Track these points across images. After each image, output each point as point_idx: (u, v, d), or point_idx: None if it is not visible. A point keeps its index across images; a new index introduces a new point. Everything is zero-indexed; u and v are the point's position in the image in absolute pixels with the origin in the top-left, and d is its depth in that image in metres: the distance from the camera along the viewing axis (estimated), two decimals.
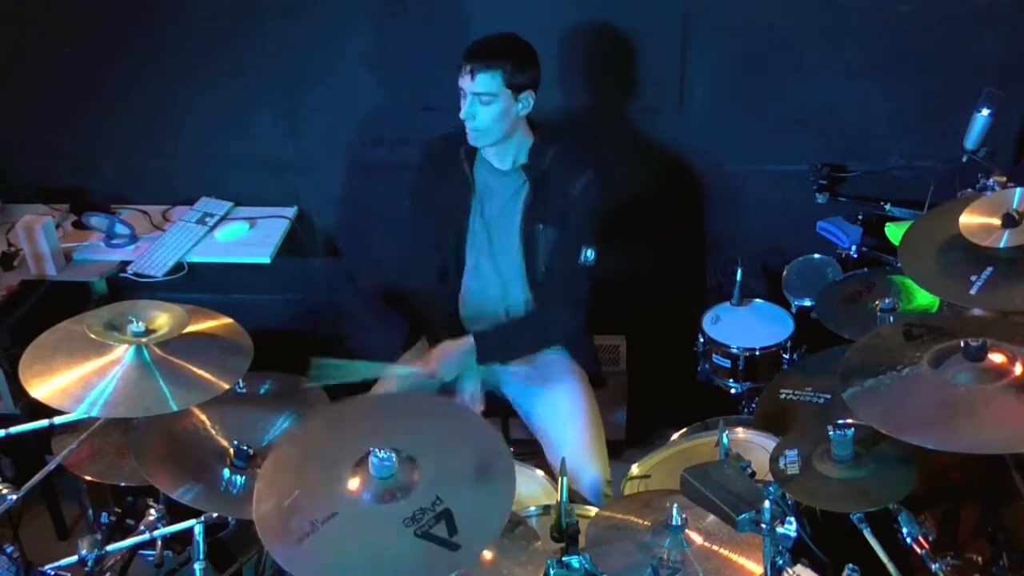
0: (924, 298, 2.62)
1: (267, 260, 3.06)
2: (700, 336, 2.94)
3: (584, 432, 2.57)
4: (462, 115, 2.49)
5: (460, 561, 1.68)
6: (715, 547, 1.89)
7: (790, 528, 1.66)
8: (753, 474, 1.89)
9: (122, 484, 2.36)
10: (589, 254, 2.58)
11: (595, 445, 2.57)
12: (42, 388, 1.96)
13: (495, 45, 2.47)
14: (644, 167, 3.16)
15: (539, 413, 2.63)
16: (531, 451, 2.62)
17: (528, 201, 2.58)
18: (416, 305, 2.80)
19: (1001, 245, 2.08)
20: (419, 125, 2.58)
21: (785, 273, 3.02)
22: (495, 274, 2.67)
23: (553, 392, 2.65)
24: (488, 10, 2.95)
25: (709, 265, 3.28)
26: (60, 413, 2.05)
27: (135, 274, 3.00)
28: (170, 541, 2.22)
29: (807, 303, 2.91)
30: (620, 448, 3.31)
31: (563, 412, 2.61)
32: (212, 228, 3.16)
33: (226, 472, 2.11)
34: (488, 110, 2.46)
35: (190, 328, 2.14)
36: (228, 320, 2.25)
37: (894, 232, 2.87)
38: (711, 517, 1.85)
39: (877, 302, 2.57)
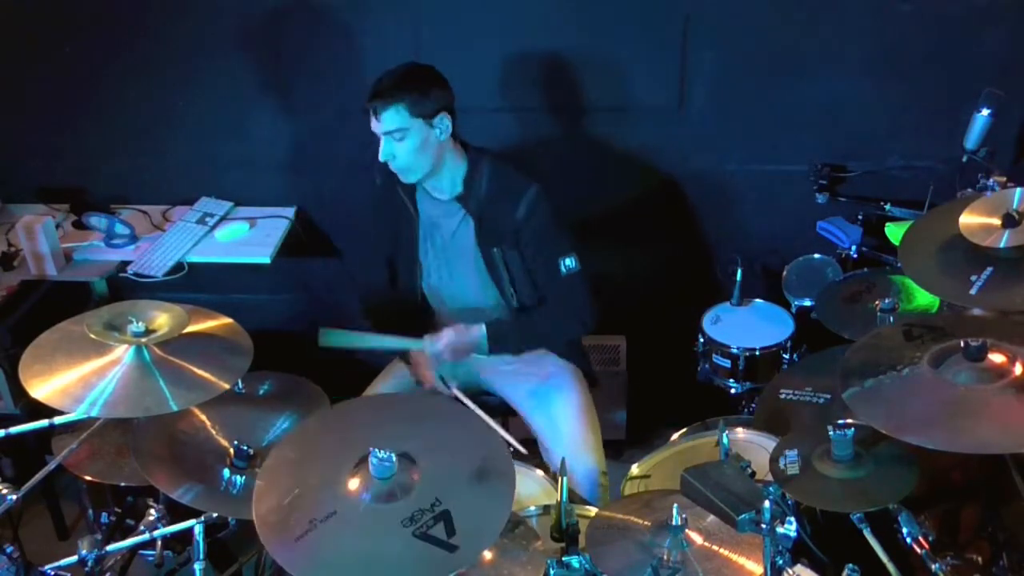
0: (924, 298, 2.62)
1: (267, 260, 3.06)
2: (700, 336, 2.94)
3: (579, 424, 2.57)
4: (381, 158, 2.43)
5: (458, 563, 1.69)
6: (715, 547, 1.89)
7: (790, 528, 1.66)
8: (753, 474, 1.90)
9: (122, 484, 2.36)
10: (568, 263, 2.50)
11: (591, 436, 2.57)
12: (42, 388, 1.96)
13: (392, 79, 2.39)
14: (644, 167, 3.16)
15: (534, 406, 2.63)
16: (531, 451, 2.62)
17: (475, 230, 2.53)
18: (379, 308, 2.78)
19: (1001, 245, 2.08)
20: None
21: (785, 273, 3.02)
22: (458, 293, 2.64)
23: (547, 385, 2.64)
24: (488, 10, 2.95)
25: (710, 265, 3.28)
26: (60, 413, 2.05)
27: (135, 274, 2.99)
28: (170, 541, 2.23)
29: (807, 303, 2.91)
30: (620, 448, 3.31)
31: (558, 404, 2.60)
32: (212, 228, 3.16)
33: (226, 472, 2.11)
34: (404, 146, 2.39)
35: (190, 328, 2.13)
36: (228, 320, 2.25)
37: (894, 232, 2.87)
38: (711, 517, 1.85)
39: (877, 302, 2.57)
